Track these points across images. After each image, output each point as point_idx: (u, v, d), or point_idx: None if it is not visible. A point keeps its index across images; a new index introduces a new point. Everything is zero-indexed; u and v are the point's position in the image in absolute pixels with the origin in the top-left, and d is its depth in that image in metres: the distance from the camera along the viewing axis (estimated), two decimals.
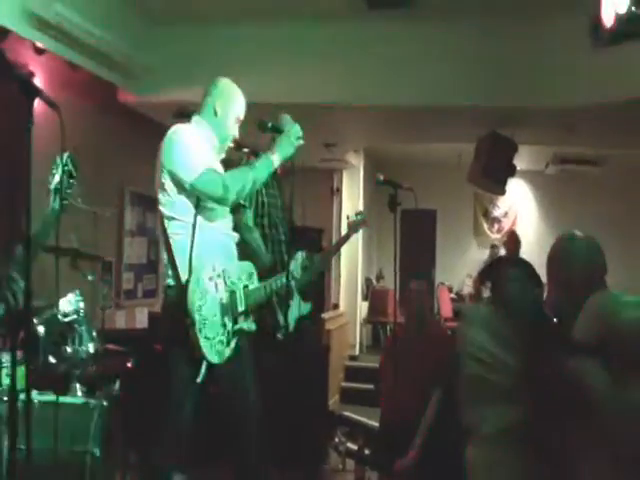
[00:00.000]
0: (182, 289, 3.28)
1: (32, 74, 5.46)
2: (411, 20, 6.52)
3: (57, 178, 2.32)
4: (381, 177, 4.39)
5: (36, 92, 2.20)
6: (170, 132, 3.46)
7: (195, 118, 3.61)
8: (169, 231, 3.42)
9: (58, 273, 2.55)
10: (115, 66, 6.44)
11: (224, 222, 3.58)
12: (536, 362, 3.09)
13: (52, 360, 4.13)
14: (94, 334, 4.44)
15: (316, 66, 6.80)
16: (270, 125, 3.67)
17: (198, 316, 3.27)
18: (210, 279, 3.39)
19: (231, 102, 3.62)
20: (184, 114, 7.32)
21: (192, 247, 3.28)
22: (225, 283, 3.48)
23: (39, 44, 5.49)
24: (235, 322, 3.49)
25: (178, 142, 3.41)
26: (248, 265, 3.72)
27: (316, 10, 6.55)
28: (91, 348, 4.37)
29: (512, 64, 6.56)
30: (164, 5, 6.54)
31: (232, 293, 3.51)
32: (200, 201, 3.36)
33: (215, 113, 3.58)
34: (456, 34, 6.64)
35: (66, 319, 4.24)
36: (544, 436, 3.04)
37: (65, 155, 2.37)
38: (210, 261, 3.40)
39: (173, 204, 3.41)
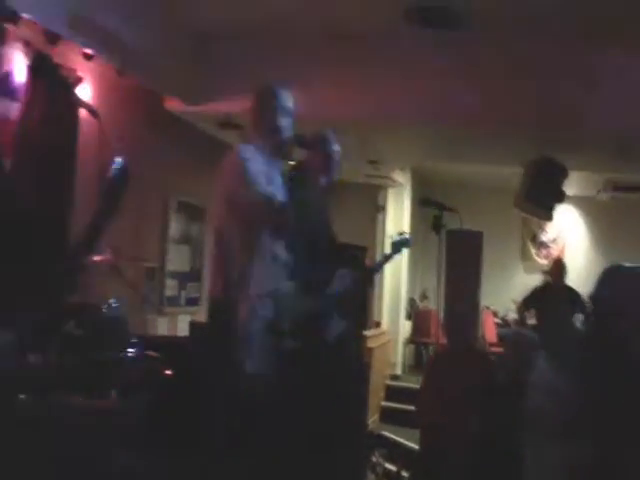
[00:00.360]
0: (231, 305, 3.26)
1: (80, 79, 5.51)
2: (460, 40, 6.48)
3: (109, 182, 2.32)
4: (426, 197, 4.35)
5: (76, 99, 2.22)
6: (233, 155, 3.44)
7: (250, 137, 3.56)
8: (228, 244, 3.39)
9: (99, 277, 2.55)
10: (162, 74, 6.49)
11: (274, 242, 3.53)
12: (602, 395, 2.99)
13: (89, 363, 4.14)
14: (134, 339, 4.46)
15: (362, 82, 6.78)
16: (303, 141, 3.64)
17: (246, 334, 3.24)
18: (258, 297, 3.36)
19: (274, 105, 3.57)
20: (230, 124, 7.40)
21: (246, 265, 3.26)
22: (272, 300, 3.44)
23: (88, 50, 5.54)
24: (280, 339, 3.45)
25: (238, 167, 3.38)
26: (293, 283, 3.68)
27: (363, 27, 6.54)
28: (130, 353, 4.39)
29: (563, 87, 6.48)
30: (213, 15, 6.59)
31: (278, 310, 3.47)
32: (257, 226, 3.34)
33: (262, 123, 3.54)
34: (505, 55, 6.57)
35: (105, 322, 4.26)
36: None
37: (118, 160, 2.37)
38: (259, 279, 3.37)
39: (232, 224, 3.40)
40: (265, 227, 3.38)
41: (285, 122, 3.56)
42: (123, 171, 2.35)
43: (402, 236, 5.07)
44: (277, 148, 3.57)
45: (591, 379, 3.03)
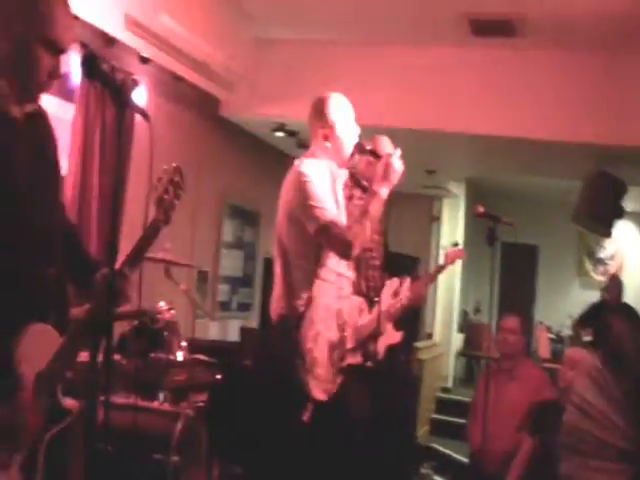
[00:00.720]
0: (293, 327, 3.22)
1: (136, 82, 5.56)
2: (519, 49, 6.41)
3: (162, 189, 2.31)
4: (480, 209, 4.28)
5: (127, 102, 2.23)
6: (296, 170, 3.40)
7: (314, 149, 3.52)
8: (292, 262, 3.37)
9: (145, 280, 2.54)
10: (218, 79, 6.51)
11: (338, 260, 3.45)
12: None
13: (139, 366, 4.16)
14: (184, 343, 4.48)
15: (419, 91, 6.75)
16: (368, 148, 3.57)
17: (308, 357, 3.22)
18: (322, 320, 3.34)
19: (345, 118, 3.50)
20: (284, 130, 7.41)
21: (307, 284, 3.24)
22: (336, 322, 3.41)
23: (144, 53, 5.59)
24: (343, 359, 3.41)
25: (302, 186, 3.32)
26: (357, 300, 3.65)
27: (420, 35, 6.51)
28: (180, 357, 4.40)
29: (624, 101, 6.36)
30: (269, 21, 6.62)
31: (342, 331, 3.45)
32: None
33: (323, 132, 3.48)
34: (565, 66, 6.49)
35: (156, 326, 4.28)
36: None
37: (172, 166, 2.36)
38: (324, 300, 3.35)
39: (297, 243, 3.36)
40: (329, 249, 3.31)
41: (348, 131, 3.50)
42: (176, 176, 2.34)
43: (456, 248, 5.02)
44: (339, 158, 3.50)
45: None
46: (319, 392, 3.25)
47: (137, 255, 2.29)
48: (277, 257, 3.41)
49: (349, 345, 3.44)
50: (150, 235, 2.30)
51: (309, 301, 3.23)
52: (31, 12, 2.10)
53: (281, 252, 3.37)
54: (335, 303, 3.38)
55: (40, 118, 2.31)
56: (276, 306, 3.36)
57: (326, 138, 3.43)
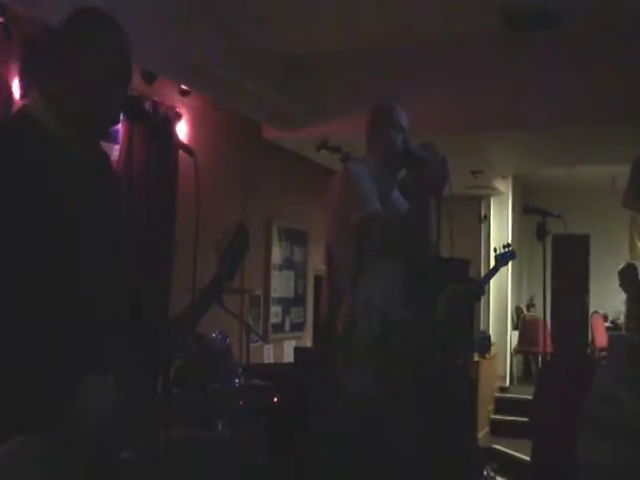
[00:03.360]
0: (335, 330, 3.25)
1: (179, 116, 5.63)
2: (555, 40, 6.34)
3: (226, 243, 2.32)
4: (529, 205, 4.28)
5: (171, 139, 2.23)
6: (343, 169, 3.46)
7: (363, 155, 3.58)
8: (333, 263, 3.43)
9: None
10: (258, 103, 6.54)
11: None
12: None
13: (196, 396, 4.18)
14: (239, 370, 4.49)
15: (457, 93, 6.72)
16: (414, 156, 3.59)
17: (346, 346, 3.23)
18: (362, 307, 3.34)
19: (387, 122, 3.56)
20: (328, 147, 7.41)
21: (352, 282, 3.26)
22: (380, 319, 3.41)
23: (184, 86, 5.66)
24: (389, 358, 3.42)
25: (346, 180, 3.41)
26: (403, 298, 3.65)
27: (455, 34, 6.48)
28: (236, 384, 4.41)
29: None
30: (305, 41, 6.63)
31: (387, 329, 3.43)
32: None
33: (375, 140, 3.54)
34: (605, 52, 6.39)
35: (210, 355, 4.30)
36: None
37: (238, 223, 2.36)
38: (366, 294, 3.37)
39: (339, 242, 3.41)
40: (374, 243, 3.34)
41: (399, 138, 3.54)
42: (245, 235, 2.34)
43: (507, 249, 5.00)
44: (392, 164, 3.54)
45: None
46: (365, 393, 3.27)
47: (202, 311, 2.28)
48: (324, 258, 3.49)
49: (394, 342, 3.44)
50: (213, 291, 2.29)
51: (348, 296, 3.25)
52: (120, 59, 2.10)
53: (327, 257, 3.44)
54: (380, 300, 3.39)
55: (106, 161, 2.28)
56: (321, 310, 3.41)
57: (375, 145, 3.51)
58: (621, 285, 8.53)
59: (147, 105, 5.15)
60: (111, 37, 2.07)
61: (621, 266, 8.77)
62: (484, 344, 5.30)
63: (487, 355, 5.58)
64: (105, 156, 2.29)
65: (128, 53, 2.10)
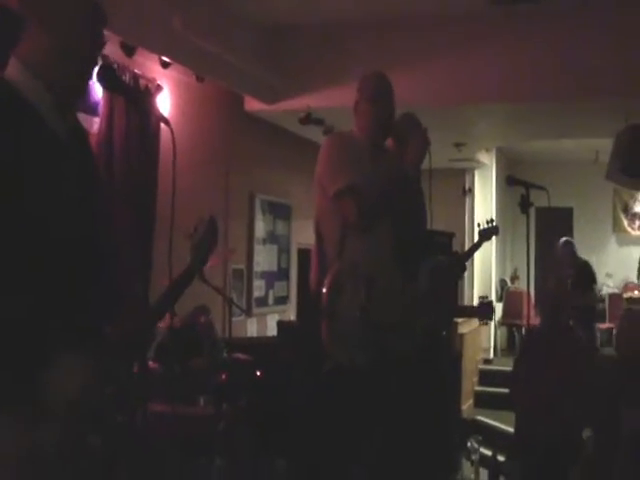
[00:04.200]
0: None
1: (160, 88, 5.56)
2: (537, 14, 6.33)
3: (198, 239, 2.30)
4: (513, 177, 4.28)
5: (150, 109, 2.21)
6: (326, 140, 3.46)
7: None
8: (321, 236, 3.44)
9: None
10: (240, 75, 6.49)
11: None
12: None
13: (176, 371, 4.16)
14: (220, 344, 4.48)
15: (442, 66, 6.70)
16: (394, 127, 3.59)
17: (331, 311, 3.23)
18: (348, 271, 3.35)
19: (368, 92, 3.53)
20: (310, 119, 7.36)
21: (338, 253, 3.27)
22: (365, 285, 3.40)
23: (165, 57, 5.60)
24: (378, 330, 3.41)
25: (329, 151, 3.42)
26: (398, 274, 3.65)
27: (439, 7, 6.45)
28: (217, 358, 4.40)
29: None
30: (288, 12, 6.58)
31: (378, 301, 3.43)
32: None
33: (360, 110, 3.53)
34: (588, 25, 6.39)
35: (189, 330, 4.29)
36: None
37: (208, 217, 2.34)
38: (352, 258, 3.35)
39: (323, 211, 3.44)
40: (353, 213, 3.34)
41: (382, 109, 3.52)
42: (215, 231, 2.33)
43: (490, 224, 4.98)
44: (376, 136, 3.54)
45: None
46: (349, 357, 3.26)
47: (170, 302, 2.28)
48: (314, 230, 3.49)
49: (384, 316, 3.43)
50: (183, 283, 2.29)
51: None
52: (90, 23, 2.09)
53: (317, 228, 3.45)
54: (367, 266, 3.38)
55: (81, 133, 2.24)
56: (312, 282, 3.41)
57: (357, 114, 3.50)
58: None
59: (127, 77, 5.08)
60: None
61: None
62: (487, 309, 5.27)
63: (488, 322, 5.53)
64: (83, 130, 2.26)
65: (100, 14, 2.09)
